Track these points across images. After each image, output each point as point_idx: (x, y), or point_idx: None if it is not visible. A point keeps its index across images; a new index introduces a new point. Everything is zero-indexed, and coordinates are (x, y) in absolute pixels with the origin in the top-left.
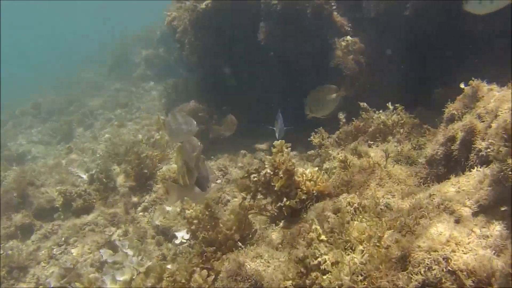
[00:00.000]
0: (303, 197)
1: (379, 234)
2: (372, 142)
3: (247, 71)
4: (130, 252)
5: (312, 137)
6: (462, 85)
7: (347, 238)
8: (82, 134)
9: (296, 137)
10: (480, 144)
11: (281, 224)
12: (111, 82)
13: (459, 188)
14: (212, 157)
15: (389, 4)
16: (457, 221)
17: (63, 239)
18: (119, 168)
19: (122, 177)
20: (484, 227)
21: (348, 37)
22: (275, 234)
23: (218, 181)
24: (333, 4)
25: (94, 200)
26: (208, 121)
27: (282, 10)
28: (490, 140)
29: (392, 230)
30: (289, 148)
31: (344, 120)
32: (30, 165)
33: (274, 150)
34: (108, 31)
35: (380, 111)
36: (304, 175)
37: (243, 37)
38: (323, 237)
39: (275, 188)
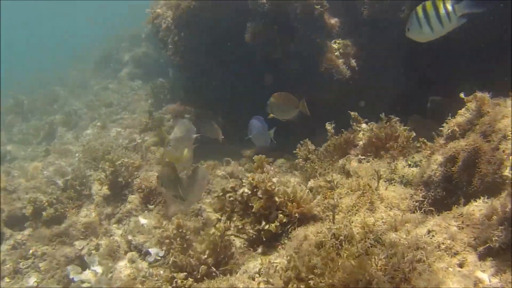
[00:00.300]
0: (284, 220)
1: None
2: (363, 157)
3: (233, 73)
4: (99, 270)
5: (297, 149)
6: (462, 95)
7: (330, 281)
8: (64, 134)
9: (284, 142)
10: (486, 168)
11: (259, 250)
12: (97, 81)
13: (462, 223)
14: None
15: (384, 5)
16: (460, 265)
17: (30, 251)
18: (95, 174)
19: (97, 184)
20: (494, 276)
21: (340, 40)
22: (252, 263)
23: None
24: (325, 3)
25: (67, 209)
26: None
27: (270, 9)
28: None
29: (383, 274)
30: (269, 165)
31: (332, 131)
32: (5, 167)
33: (253, 166)
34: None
35: (372, 122)
36: (286, 195)
37: (230, 37)
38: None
39: (253, 210)
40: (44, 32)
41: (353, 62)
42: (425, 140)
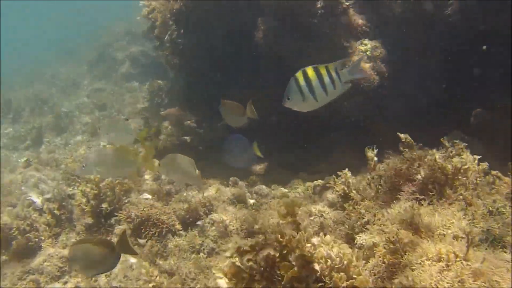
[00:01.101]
0: None
1: None
2: (422, 197)
3: (241, 77)
4: None
5: (332, 181)
6: None
7: None
8: (53, 139)
9: (298, 156)
10: None
11: None
12: (91, 81)
13: None
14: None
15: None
16: None
17: None
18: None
19: (78, 210)
20: None
21: (367, 40)
22: None
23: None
24: None
25: (42, 238)
26: (195, 131)
27: (285, 4)
28: None
29: None
30: (306, 217)
31: (375, 160)
32: None
33: (280, 213)
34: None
35: (434, 150)
36: (329, 261)
37: (237, 36)
38: None
39: (283, 282)
40: (35, 30)
41: (382, 66)
42: (500, 174)
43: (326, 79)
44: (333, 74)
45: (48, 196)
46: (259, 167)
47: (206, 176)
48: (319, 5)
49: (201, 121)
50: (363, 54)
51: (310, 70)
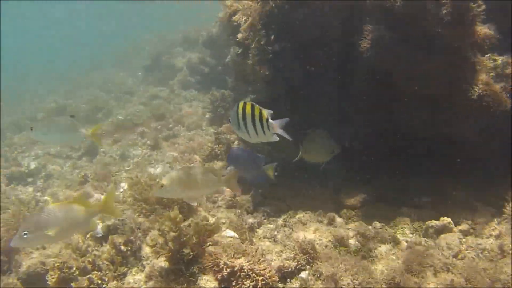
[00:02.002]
0: None
1: None
2: None
3: (339, 92)
4: None
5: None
6: None
7: None
8: (109, 149)
9: (399, 183)
10: None
11: None
12: (146, 88)
13: None
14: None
15: None
16: None
17: None
18: (147, 222)
19: (150, 250)
20: None
21: (496, 55)
22: None
23: None
24: (481, 4)
25: (106, 280)
26: (263, 149)
27: (402, 8)
28: None
29: None
30: None
31: None
32: (34, 191)
33: None
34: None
35: None
36: None
37: (336, 45)
38: None
39: None
40: (86, 33)
41: None
42: None
43: (258, 122)
44: (264, 121)
45: (109, 223)
46: (352, 199)
47: (290, 207)
48: (445, 11)
49: None
50: (491, 70)
51: (248, 107)
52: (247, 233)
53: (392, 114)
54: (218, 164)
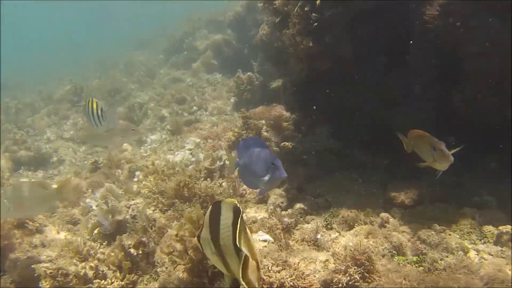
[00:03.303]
0: None
1: None
2: None
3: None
4: None
5: None
6: None
7: None
8: None
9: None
10: None
11: None
12: (167, 70)
13: None
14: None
15: None
16: None
17: None
18: (164, 219)
19: (167, 257)
20: None
21: None
22: None
23: None
24: None
25: None
26: (293, 136)
27: None
28: None
29: None
30: None
31: None
32: (44, 176)
33: None
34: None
35: None
36: None
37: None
38: None
39: None
40: (108, 14)
41: None
42: None
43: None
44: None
45: (119, 218)
46: (404, 197)
47: (330, 204)
48: None
49: (299, 124)
50: None
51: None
52: (282, 236)
53: (451, 98)
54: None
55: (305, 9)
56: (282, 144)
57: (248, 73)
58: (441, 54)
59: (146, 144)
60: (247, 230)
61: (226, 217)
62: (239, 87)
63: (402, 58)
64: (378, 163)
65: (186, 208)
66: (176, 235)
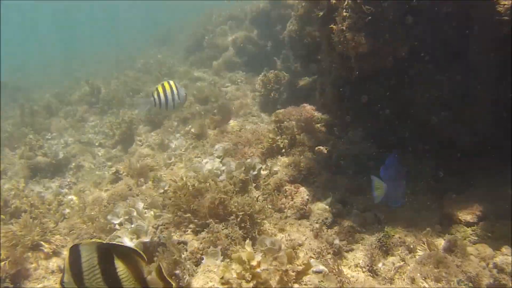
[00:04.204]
0: None
1: None
2: None
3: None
4: None
5: None
6: None
7: None
8: (146, 137)
9: None
10: None
11: None
12: (187, 68)
13: None
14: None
15: None
16: None
17: None
18: (196, 242)
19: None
20: None
21: None
22: None
23: None
24: None
25: None
26: (327, 139)
27: None
28: None
29: None
30: None
31: None
32: (58, 188)
33: None
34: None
35: None
36: None
37: None
38: None
39: None
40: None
41: None
42: None
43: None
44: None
45: (146, 239)
46: (467, 213)
47: (380, 220)
48: None
49: (332, 126)
50: None
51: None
52: (335, 264)
53: None
54: (282, 161)
55: (358, 0)
56: (316, 148)
57: (275, 71)
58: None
59: (169, 150)
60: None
61: (87, 258)
62: (265, 86)
63: (459, 56)
64: (420, 169)
65: (223, 230)
66: (222, 278)
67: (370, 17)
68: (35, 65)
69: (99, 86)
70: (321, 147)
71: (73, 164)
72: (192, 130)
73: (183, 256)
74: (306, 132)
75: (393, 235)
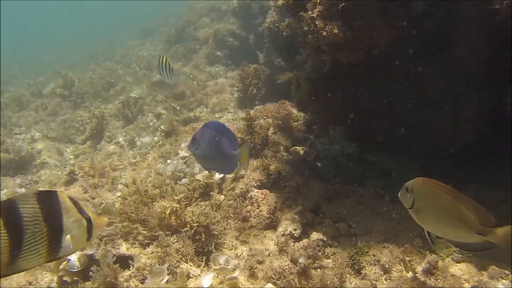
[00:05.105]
0: None
1: None
2: None
3: None
4: None
5: None
6: None
7: None
8: (115, 133)
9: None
10: None
11: None
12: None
13: None
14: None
15: None
16: None
17: None
18: (144, 257)
19: None
20: None
21: None
22: None
23: None
24: None
25: None
26: (305, 138)
27: None
28: None
29: None
30: None
31: None
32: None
33: None
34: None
35: None
36: None
37: None
38: None
39: None
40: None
41: None
42: None
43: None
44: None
45: (90, 252)
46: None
47: (355, 232)
48: None
49: (311, 124)
50: None
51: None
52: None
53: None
54: (253, 164)
55: None
56: (292, 148)
57: (255, 65)
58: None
59: (135, 148)
60: None
61: None
62: (243, 81)
63: (444, 50)
64: (403, 170)
65: (174, 243)
66: None
67: (344, 3)
68: (14, 58)
69: (73, 78)
70: (297, 147)
71: (38, 161)
72: (162, 126)
73: (124, 275)
74: (283, 131)
75: (367, 252)
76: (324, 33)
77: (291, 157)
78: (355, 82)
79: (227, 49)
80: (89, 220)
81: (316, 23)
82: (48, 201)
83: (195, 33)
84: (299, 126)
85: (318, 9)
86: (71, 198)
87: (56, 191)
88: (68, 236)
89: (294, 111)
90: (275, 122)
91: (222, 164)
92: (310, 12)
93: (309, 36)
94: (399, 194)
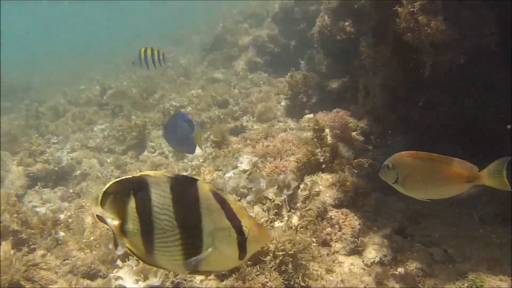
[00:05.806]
0: None
1: None
2: None
3: None
4: None
5: None
6: None
7: None
8: (159, 143)
9: None
10: None
11: None
12: (205, 69)
13: None
14: None
15: None
16: None
17: None
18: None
19: None
20: None
21: None
22: None
23: None
24: None
25: None
26: (364, 149)
27: None
28: None
29: None
30: None
31: None
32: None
33: None
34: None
35: None
36: None
37: None
38: None
39: None
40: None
41: None
42: None
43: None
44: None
45: (156, 283)
46: None
47: (453, 257)
48: None
49: (369, 134)
50: None
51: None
52: None
53: None
54: (324, 179)
55: None
56: (356, 161)
57: (303, 71)
58: None
59: (185, 159)
60: None
61: None
62: (292, 89)
63: None
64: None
65: (257, 275)
66: None
67: None
68: (46, 65)
69: (110, 86)
70: (361, 159)
71: (78, 171)
72: (211, 137)
73: None
74: (342, 141)
75: (481, 285)
76: (429, 30)
77: (356, 171)
78: (435, 92)
79: (267, 55)
80: (240, 232)
81: (418, 18)
82: (183, 192)
83: (234, 39)
84: (358, 136)
85: (419, 3)
86: (215, 194)
87: (197, 180)
88: (210, 250)
89: (351, 119)
90: (333, 132)
91: (189, 145)
92: (409, 6)
93: (408, 34)
94: (379, 174)
